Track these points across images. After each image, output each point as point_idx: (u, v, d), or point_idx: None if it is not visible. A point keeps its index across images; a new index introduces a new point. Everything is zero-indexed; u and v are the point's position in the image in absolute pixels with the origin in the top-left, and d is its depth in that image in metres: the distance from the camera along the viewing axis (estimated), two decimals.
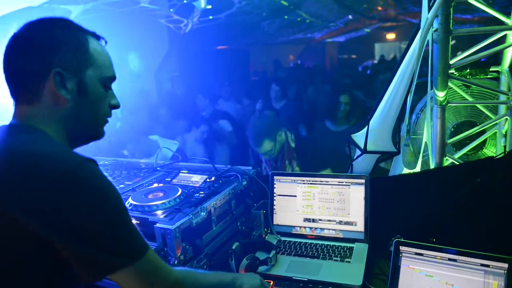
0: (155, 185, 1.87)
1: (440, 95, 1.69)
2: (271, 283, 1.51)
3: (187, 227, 1.52)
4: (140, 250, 0.97)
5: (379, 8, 8.74)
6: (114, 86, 1.14)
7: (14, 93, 1.02)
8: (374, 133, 1.75)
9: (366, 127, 1.75)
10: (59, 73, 0.98)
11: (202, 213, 1.59)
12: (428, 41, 1.64)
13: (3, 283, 0.89)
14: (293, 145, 2.93)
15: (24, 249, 0.88)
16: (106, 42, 1.12)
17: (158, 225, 1.47)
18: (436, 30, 1.51)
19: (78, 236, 0.87)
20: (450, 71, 1.63)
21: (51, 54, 0.97)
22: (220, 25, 6.25)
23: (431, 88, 1.84)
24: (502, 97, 1.77)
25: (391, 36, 12.54)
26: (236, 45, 8.17)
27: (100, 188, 0.92)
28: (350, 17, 8.10)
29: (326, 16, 7.60)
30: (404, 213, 1.80)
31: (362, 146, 1.78)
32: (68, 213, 0.86)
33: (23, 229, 0.85)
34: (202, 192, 1.74)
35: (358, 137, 1.81)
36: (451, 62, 1.71)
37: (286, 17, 7.12)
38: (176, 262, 1.48)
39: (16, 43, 0.98)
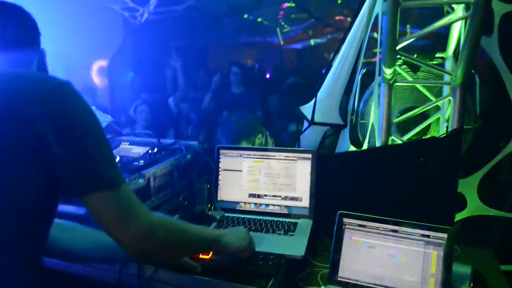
0: None
1: (388, 72, 1.70)
2: (210, 254, 1.43)
3: None
4: (121, 177, 0.97)
5: (336, 18, 8.94)
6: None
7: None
8: (322, 105, 1.73)
9: (314, 98, 1.74)
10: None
11: (140, 180, 1.49)
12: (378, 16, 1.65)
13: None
14: None
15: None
16: None
17: None
18: (385, 0, 1.52)
19: (66, 150, 0.89)
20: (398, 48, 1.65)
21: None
22: (177, 18, 6.11)
23: (379, 74, 1.86)
24: (447, 78, 1.82)
25: None
26: (193, 42, 8.04)
27: (84, 105, 0.95)
28: (307, 24, 8.23)
29: (284, 20, 7.65)
30: (350, 190, 1.80)
31: (309, 117, 1.76)
32: (56, 125, 0.89)
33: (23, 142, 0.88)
34: (142, 161, 1.64)
35: (306, 108, 1.78)
36: (400, 45, 1.72)
37: (245, 16, 7.09)
38: None
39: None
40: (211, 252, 1.43)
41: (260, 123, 2.91)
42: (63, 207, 1.36)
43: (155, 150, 1.77)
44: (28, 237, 0.95)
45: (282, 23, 7.78)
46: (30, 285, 0.97)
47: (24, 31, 1.08)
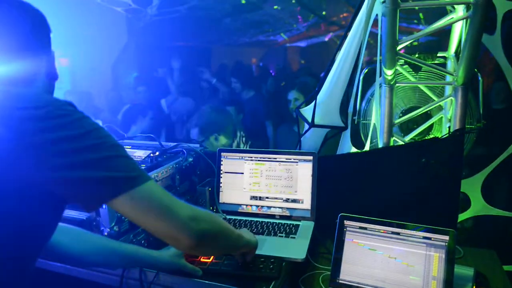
0: None
1: (389, 73, 1.69)
2: (211, 258, 1.43)
3: None
4: (143, 175, 0.89)
5: (341, 15, 8.90)
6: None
7: None
8: (322, 107, 1.73)
9: (314, 100, 1.73)
10: None
11: None
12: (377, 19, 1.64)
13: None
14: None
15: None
16: None
17: None
18: (384, 2, 1.51)
19: (80, 164, 0.82)
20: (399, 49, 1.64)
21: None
22: (180, 19, 6.12)
23: (380, 75, 1.85)
24: (449, 78, 1.81)
25: None
26: (196, 42, 8.05)
27: (89, 120, 0.88)
28: (311, 21, 8.19)
29: (287, 19, 7.63)
30: (351, 192, 1.79)
31: (310, 120, 1.75)
32: (62, 143, 0.81)
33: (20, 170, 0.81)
34: (144, 165, 1.64)
35: (306, 111, 1.78)
36: (400, 45, 1.70)
37: (248, 16, 7.06)
38: (106, 234, 1.38)
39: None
40: (212, 257, 1.44)
41: (232, 122, 2.80)
42: (65, 212, 1.37)
43: (157, 153, 1.77)
44: (27, 245, 0.91)
45: (286, 22, 7.77)
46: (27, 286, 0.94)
47: (39, 34, 0.98)
